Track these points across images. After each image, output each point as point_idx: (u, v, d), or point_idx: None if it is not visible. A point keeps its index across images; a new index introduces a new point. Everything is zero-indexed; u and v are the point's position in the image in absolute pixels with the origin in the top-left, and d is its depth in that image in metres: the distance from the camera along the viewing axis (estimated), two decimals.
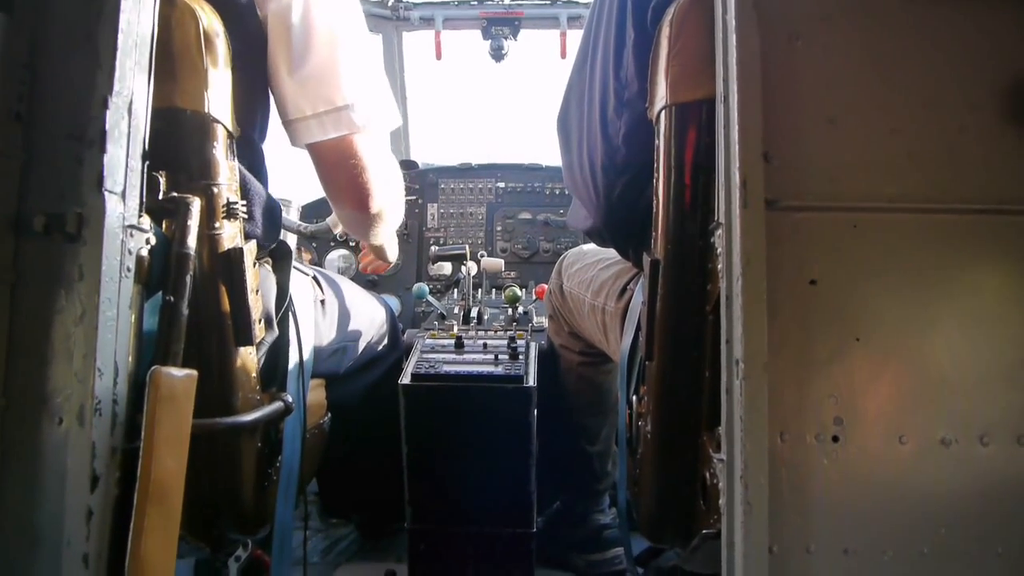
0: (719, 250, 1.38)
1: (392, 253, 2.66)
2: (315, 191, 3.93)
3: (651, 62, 1.69)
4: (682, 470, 1.64)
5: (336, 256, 3.97)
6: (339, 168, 1.83)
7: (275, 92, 1.76)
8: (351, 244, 3.96)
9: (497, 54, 4.19)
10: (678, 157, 1.59)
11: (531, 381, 2.36)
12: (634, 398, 1.93)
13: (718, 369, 1.36)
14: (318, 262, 3.96)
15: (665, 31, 1.58)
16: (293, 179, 4.35)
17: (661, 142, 1.63)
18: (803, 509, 1.32)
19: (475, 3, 4.16)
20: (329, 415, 2.23)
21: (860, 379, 1.34)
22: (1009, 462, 1.34)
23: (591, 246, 2.92)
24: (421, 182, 4.15)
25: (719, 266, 1.38)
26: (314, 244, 3.95)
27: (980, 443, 1.34)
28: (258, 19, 1.67)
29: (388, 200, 1.95)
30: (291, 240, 3.81)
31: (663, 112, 1.61)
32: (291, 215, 3.82)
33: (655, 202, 1.68)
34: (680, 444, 1.64)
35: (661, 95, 1.61)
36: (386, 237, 2.38)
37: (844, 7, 1.38)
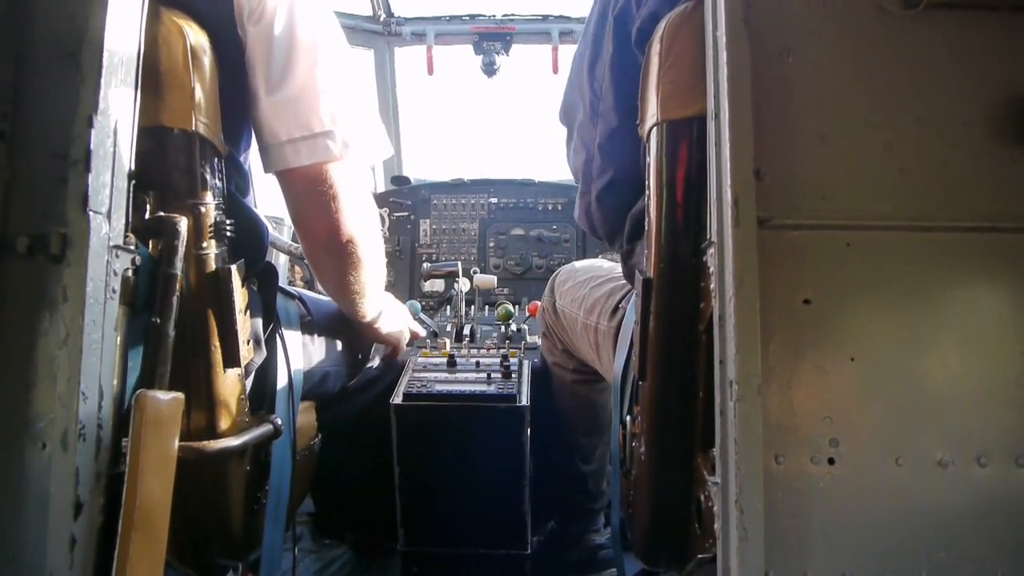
0: (711, 269, 1.37)
1: (393, 323, 2.34)
2: None
3: (641, 79, 1.68)
4: (676, 492, 1.61)
5: None
6: (308, 195, 1.75)
7: (253, 115, 1.72)
8: None
9: (489, 69, 4.19)
10: (670, 175, 1.57)
11: (524, 400, 2.34)
12: (628, 418, 1.91)
13: (711, 389, 1.34)
14: (310, 278, 3.94)
15: (655, 47, 1.57)
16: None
17: (652, 159, 1.62)
18: (800, 533, 1.30)
19: (467, 18, 4.17)
20: (320, 436, 2.21)
21: (855, 400, 1.32)
22: (1008, 483, 1.32)
23: (583, 263, 2.91)
24: (413, 198, 4.13)
25: (712, 285, 1.36)
26: (306, 261, 3.92)
27: (978, 464, 1.32)
28: (240, 38, 1.64)
29: (362, 232, 1.84)
30: (283, 258, 3.79)
31: (654, 129, 1.59)
32: (283, 234, 3.80)
33: (647, 220, 1.67)
34: (674, 466, 1.62)
35: (652, 112, 1.60)
36: (373, 294, 2.05)
37: (835, 23, 1.37)
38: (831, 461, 1.32)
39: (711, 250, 1.36)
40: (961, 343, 1.35)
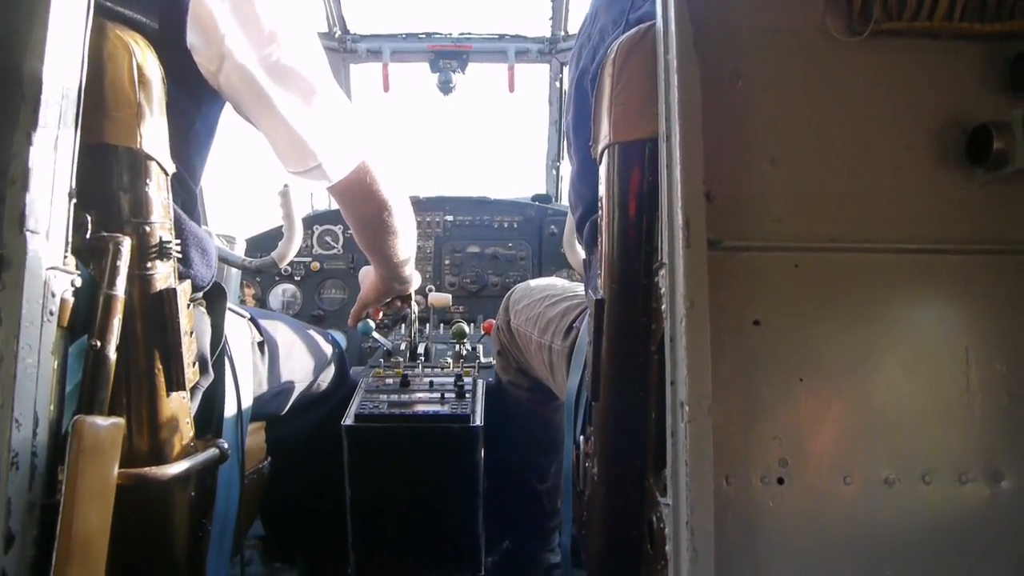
0: (663, 290, 1.37)
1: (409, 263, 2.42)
2: (259, 225, 3.87)
3: (594, 101, 1.69)
4: (629, 513, 1.61)
5: (280, 291, 3.91)
6: (349, 205, 1.99)
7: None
8: (296, 279, 3.90)
9: (445, 87, 4.19)
10: (621, 195, 1.57)
11: (478, 420, 2.32)
12: (581, 438, 1.90)
13: (664, 410, 1.35)
14: (262, 297, 3.88)
15: (607, 70, 1.58)
16: (237, 214, 4.28)
17: (604, 180, 1.62)
18: (751, 553, 1.31)
19: (423, 36, 4.16)
20: (269, 459, 2.16)
21: (804, 420, 1.34)
22: (951, 501, 1.34)
23: (538, 281, 2.91)
24: None
25: (663, 306, 1.36)
26: (258, 279, 3.88)
27: (923, 482, 1.34)
28: (190, 55, 1.60)
29: (401, 213, 2.05)
30: (234, 276, 3.73)
31: (606, 151, 1.60)
32: (236, 251, 3.74)
33: (599, 240, 1.67)
34: (627, 486, 1.61)
35: (604, 133, 1.60)
36: (405, 242, 2.19)
37: (784, 48, 1.40)
38: (780, 481, 1.33)
39: (662, 271, 1.37)
40: (906, 363, 1.38)
